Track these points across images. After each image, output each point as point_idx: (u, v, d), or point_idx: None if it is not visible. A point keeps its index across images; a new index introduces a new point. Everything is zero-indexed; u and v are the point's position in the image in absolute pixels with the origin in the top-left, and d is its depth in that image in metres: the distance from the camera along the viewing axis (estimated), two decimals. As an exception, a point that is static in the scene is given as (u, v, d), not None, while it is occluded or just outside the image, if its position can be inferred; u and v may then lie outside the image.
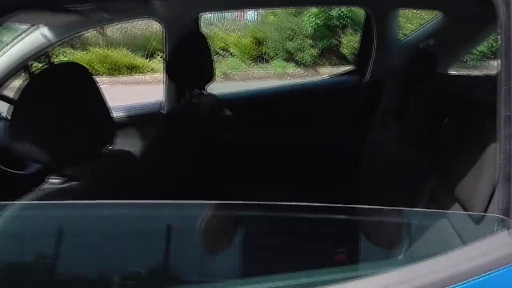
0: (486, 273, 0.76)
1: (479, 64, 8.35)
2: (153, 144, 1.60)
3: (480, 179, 0.97)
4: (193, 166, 1.94)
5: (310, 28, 8.82)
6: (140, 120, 2.40)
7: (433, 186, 1.25)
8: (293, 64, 9.10)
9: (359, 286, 0.83)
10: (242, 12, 10.35)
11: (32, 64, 2.11)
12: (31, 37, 1.95)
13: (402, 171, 1.57)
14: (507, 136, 0.79)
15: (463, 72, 2.38)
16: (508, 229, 0.81)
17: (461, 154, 1.12)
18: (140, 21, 9.64)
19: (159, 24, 2.26)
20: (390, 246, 1.35)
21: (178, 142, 1.69)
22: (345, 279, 0.86)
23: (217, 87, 2.06)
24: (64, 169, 1.08)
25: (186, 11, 2.22)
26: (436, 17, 2.30)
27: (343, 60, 9.06)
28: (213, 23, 10.33)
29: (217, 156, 2.34)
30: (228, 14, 10.45)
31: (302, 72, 9.04)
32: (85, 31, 2.41)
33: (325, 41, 8.89)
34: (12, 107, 1.29)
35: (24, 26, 2.00)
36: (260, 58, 9.37)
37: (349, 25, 8.77)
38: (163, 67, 1.93)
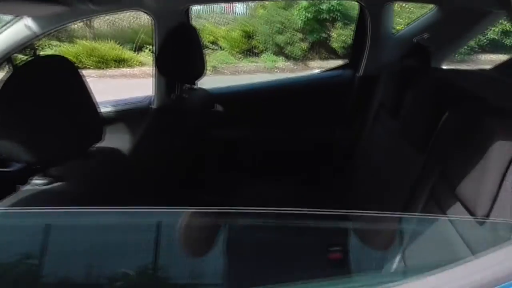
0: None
1: (467, 58, 8.39)
2: (142, 140, 1.55)
3: (484, 178, 0.94)
4: (183, 163, 1.89)
5: (300, 22, 8.77)
6: (129, 115, 2.34)
7: (432, 184, 1.22)
8: (283, 58, 9.06)
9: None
10: (231, 5, 10.28)
11: (17, 56, 2.04)
12: (14, 28, 1.88)
13: (398, 168, 1.54)
14: None
15: (452, 66, 2.35)
16: None
17: (463, 151, 1.09)
18: (128, 13, 9.54)
19: (147, 17, 2.20)
20: (386, 249, 1.32)
21: (168, 138, 1.64)
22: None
23: (206, 81, 2.00)
24: (49, 168, 1.03)
25: (176, 3, 2.16)
26: (430, 10, 2.27)
27: (332, 54, 9.04)
28: (202, 16, 10.24)
29: (208, 152, 2.30)
30: (217, 7, 10.37)
31: (292, 66, 9.01)
32: (72, 23, 2.33)
33: (315, 35, 8.86)
34: None
35: (7, 17, 1.93)
36: (250, 51, 9.32)
37: (339, 18, 8.74)
38: (153, 60, 1.87)
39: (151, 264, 1.13)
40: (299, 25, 8.86)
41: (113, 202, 1.16)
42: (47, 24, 2.01)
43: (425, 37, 2.15)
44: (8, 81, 0.95)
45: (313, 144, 2.38)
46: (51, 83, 1.01)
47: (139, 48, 9.26)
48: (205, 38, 9.09)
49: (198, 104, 1.96)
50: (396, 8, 7.10)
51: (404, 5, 7.49)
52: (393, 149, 1.63)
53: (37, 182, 1.01)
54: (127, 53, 9.24)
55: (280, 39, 8.95)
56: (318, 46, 9.06)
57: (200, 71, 1.84)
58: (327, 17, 8.72)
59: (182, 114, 1.76)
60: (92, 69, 8.94)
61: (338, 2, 8.50)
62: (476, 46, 8.43)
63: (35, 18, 1.89)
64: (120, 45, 9.30)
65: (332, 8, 8.60)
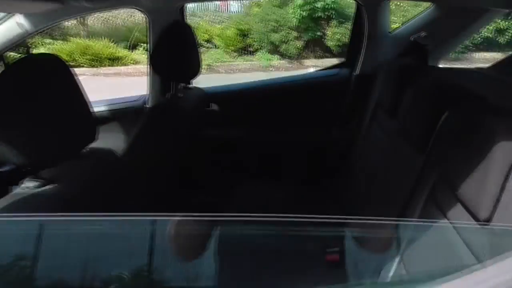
0: None
1: (461, 56, 8.41)
2: (137, 140, 1.52)
3: (486, 180, 0.92)
4: (179, 163, 1.87)
5: (294, 20, 8.75)
6: (124, 114, 2.31)
7: (432, 185, 1.20)
8: (278, 56, 9.04)
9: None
10: (226, 3, 10.24)
11: (9, 55, 2.01)
12: (5, 26, 1.84)
13: (397, 168, 1.52)
14: None
15: (446, 64, 2.34)
16: None
17: (463, 152, 1.07)
18: (122, 11, 9.48)
19: (142, 15, 2.17)
20: (384, 252, 1.30)
21: (163, 138, 1.61)
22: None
23: (201, 79, 1.98)
24: (41, 170, 1.00)
25: (170, 0, 2.13)
26: (426, 9, 2.25)
27: (327, 52, 9.03)
28: (197, 14, 10.20)
29: (204, 152, 2.28)
30: (212, 5, 10.33)
31: (286, 64, 8.99)
32: (65, 21, 2.30)
33: (309, 33, 8.84)
34: None
35: (-2, 15, 1.90)
36: (245, 50, 9.29)
37: (333, 17, 8.73)
38: (147, 59, 1.84)
39: (146, 267, 1.11)
40: (294, 24, 8.84)
41: (108, 204, 1.14)
42: (39, 21, 1.98)
43: (422, 36, 2.13)
44: None
45: (309, 144, 2.36)
46: (42, 82, 0.98)
47: (133, 46, 9.22)
48: (200, 37, 9.06)
49: (193, 103, 1.94)
50: (391, 6, 7.11)
51: (399, 3, 7.48)
52: (392, 149, 1.61)
53: (28, 185, 0.98)
54: (122, 51, 9.19)
55: (275, 37, 8.92)
56: (313, 45, 9.05)
57: (195, 70, 1.81)
58: (322, 16, 8.71)
59: (177, 113, 1.73)
60: (86, 67, 8.89)
61: (334, 0, 8.49)
62: (470, 44, 8.46)
63: (27, 16, 1.86)
64: (114, 43, 9.24)
65: (327, 6, 8.58)
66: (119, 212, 1.20)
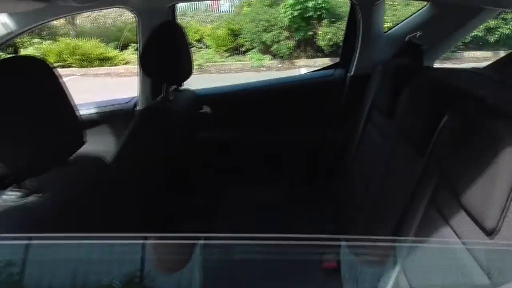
0: None
1: (451, 56, 8.44)
2: (127, 145, 1.46)
3: (492, 186, 0.88)
4: (171, 167, 1.82)
5: (286, 20, 8.73)
6: (113, 117, 2.26)
7: (433, 190, 1.16)
8: (269, 56, 9.02)
9: None
10: (216, 3, 10.19)
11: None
12: (-11, 26, 1.78)
13: (395, 171, 1.49)
14: None
15: (437, 64, 2.31)
16: None
17: (466, 157, 1.04)
18: (112, 11, 9.39)
19: (132, 14, 2.12)
20: (381, 263, 1.26)
21: (155, 142, 1.56)
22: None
23: (192, 80, 1.92)
24: (24, 180, 0.94)
25: (161, 0, 2.08)
26: (421, 8, 2.23)
27: (319, 52, 9.02)
28: (187, 14, 10.15)
29: (197, 155, 2.23)
30: (202, 5, 10.28)
31: (278, 64, 8.97)
32: (52, 21, 2.25)
33: (301, 33, 8.83)
34: None
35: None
36: (236, 50, 9.25)
37: (325, 16, 8.72)
38: (138, 60, 1.79)
39: (138, 273, 1.06)
40: (285, 23, 8.82)
41: (96, 214, 1.08)
42: (25, 21, 1.92)
43: (418, 36, 2.10)
44: None
45: (304, 145, 2.32)
46: (23, 85, 0.92)
47: (124, 46, 9.14)
48: (191, 36, 9.01)
49: (185, 106, 1.88)
50: (382, 5, 7.10)
51: (390, 2, 7.49)
52: (389, 151, 1.58)
53: (11, 195, 0.92)
54: (112, 51, 9.12)
55: (266, 37, 8.90)
56: (305, 44, 9.04)
57: (187, 72, 1.76)
58: (313, 15, 8.70)
59: (169, 116, 1.68)
60: (75, 67, 8.80)
61: (324, -1, 8.50)
62: (461, 43, 8.50)
63: (12, 15, 1.79)
64: (104, 43, 9.16)
65: (318, 6, 8.57)
66: (109, 223, 1.15)
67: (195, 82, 2.20)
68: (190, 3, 9.94)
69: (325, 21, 8.75)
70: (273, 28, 8.91)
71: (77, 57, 8.81)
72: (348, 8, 2.30)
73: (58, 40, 9.12)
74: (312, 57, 9.02)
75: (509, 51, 8.90)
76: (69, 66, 8.76)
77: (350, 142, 2.12)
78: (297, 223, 1.92)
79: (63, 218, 0.95)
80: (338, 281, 1.58)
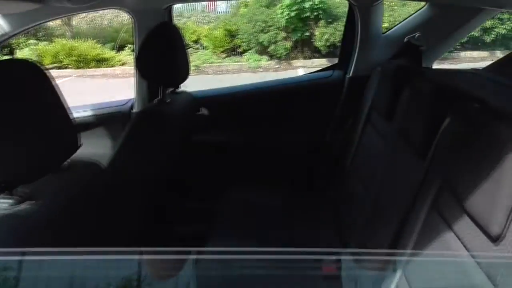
0: None
1: (448, 56, 8.45)
2: (123, 149, 1.44)
3: (497, 191, 0.86)
4: (168, 171, 1.79)
5: (283, 20, 8.72)
6: (110, 119, 2.23)
7: (435, 194, 1.14)
8: (267, 57, 9.00)
9: None
10: (213, 3, 10.17)
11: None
12: (-18, 28, 1.75)
13: (395, 173, 1.47)
14: None
15: (434, 64, 2.30)
16: None
17: (469, 160, 1.02)
18: (108, 11, 9.35)
19: (128, 15, 2.09)
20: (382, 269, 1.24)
21: (152, 146, 1.53)
22: None
23: (189, 81, 1.90)
24: (16, 187, 0.91)
25: (157, 1, 2.05)
26: (420, 8, 2.21)
27: (316, 52, 9.01)
28: (184, 15, 10.12)
29: (195, 158, 2.21)
30: (199, 6, 10.26)
31: (275, 65, 8.95)
32: (47, 22, 2.22)
33: (298, 34, 8.82)
34: None
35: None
36: (233, 51, 9.23)
37: (321, 16, 8.71)
38: (134, 62, 1.77)
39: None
40: (282, 24, 8.81)
41: (91, 222, 1.06)
42: (19, 22, 1.89)
43: (416, 36, 2.09)
44: None
45: (302, 147, 2.30)
46: (15, 90, 0.89)
47: (120, 47, 9.10)
48: (187, 37, 8.99)
49: (182, 108, 1.86)
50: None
51: (387, 3, 7.48)
52: (389, 154, 1.56)
53: (2, 203, 0.89)
54: (108, 52, 9.08)
55: (263, 38, 8.88)
56: (302, 45, 9.03)
57: (184, 74, 1.73)
58: (310, 16, 8.69)
59: (166, 119, 1.66)
60: (71, 68, 8.76)
61: (321, 0, 8.47)
62: (457, 43, 8.49)
63: (6, 16, 1.76)
64: (101, 44, 9.12)
65: (315, 6, 8.56)
66: (105, 231, 1.12)
67: (192, 83, 2.18)
68: (187, 4, 9.90)
69: (322, 22, 8.74)
70: (270, 29, 8.89)
71: (73, 58, 8.77)
72: (345, 9, 2.28)
73: (54, 41, 9.08)
74: (309, 58, 9.01)
75: (506, 51, 8.92)
76: (65, 68, 8.72)
77: (349, 144, 2.10)
78: (296, 226, 1.89)
79: (57, 226, 0.92)
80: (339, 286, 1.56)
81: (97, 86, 7.91)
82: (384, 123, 1.73)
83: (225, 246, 1.73)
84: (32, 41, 8.86)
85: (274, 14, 8.88)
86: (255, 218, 1.94)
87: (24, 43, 8.77)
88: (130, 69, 7.83)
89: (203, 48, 9.32)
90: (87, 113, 2.25)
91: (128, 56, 8.68)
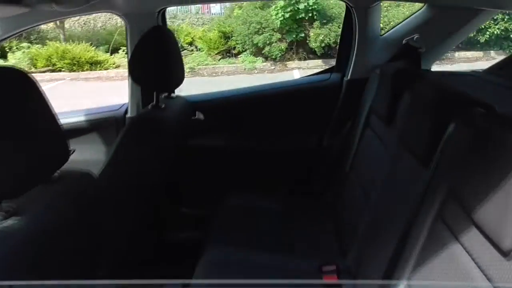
0: None
1: (443, 56, 8.44)
2: (116, 158, 1.39)
3: (510, 203, 0.82)
4: (162, 178, 1.75)
5: (277, 22, 8.69)
6: (104, 124, 2.19)
7: (440, 203, 1.10)
8: (262, 59, 8.97)
9: None
10: (207, 5, 10.13)
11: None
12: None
13: (398, 180, 1.43)
14: None
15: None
16: None
17: (477, 169, 0.97)
18: (101, 14, 9.28)
19: (120, 19, 2.04)
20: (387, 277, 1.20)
21: (145, 154, 1.48)
22: None
23: (184, 84, 1.85)
24: (0, 202, 0.86)
25: (149, 4, 2.01)
26: (419, 9, 2.17)
27: (311, 53, 9.00)
28: (178, 17, 10.08)
29: (191, 163, 2.17)
30: (193, 8, 10.21)
31: (270, 66, 8.93)
32: (38, 26, 2.18)
33: (293, 35, 8.80)
34: None
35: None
36: (228, 52, 9.19)
37: (316, 18, 8.69)
38: (128, 67, 1.72)
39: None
40: (277, 25, 8.78)
41: (82, 238, 1.01)
42: (9, 26, 1.85)
43: (415, 38, 2.05)
44: None
45: (300, 152, 2.26)
46: (1, 98, 0.84)
47: (114, 50, 9.04)
48: (182, 39, 8.95)
49: (177, 113, 1.81)
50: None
51: (381, 3, 7.45)
52: (390, 161, 1.51)
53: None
54: (102, 55, 9.02)
55: (258, 39, 8.86)
56: (297, 46, 9.01)
57: (178, 79, 1.69)
58: (305, 17, 8.67)
59: (160, 126, 1.61)
60: (65, 71, 8.68)
61: (315, 1, 8.45)
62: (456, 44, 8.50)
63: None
64: (94, 47, 9.05)
65: (309, 7, 8.54)
66: (98, 247, 1.07)
67: (187, 86, 2.13)
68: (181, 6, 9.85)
69: (316, 23, 8.73)
70: (264, 30, 8.87)
71: (67, 61, 8.69)
72: (339, 10, 2.25)
73: (47, 44, 8.99)
74: (304, 59, 9.00)
75: (500, 51, 8.92)
76: (59, 71, 8.65)
77: (348, 148, 2.06)
78: (296, 232, 1.85)
79: (45, 244, 0.87)
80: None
81: (91, 89, 7.85)
82: (384, 127, 1.69)
83: (222, 253, 1.70)
84: (24, 44, 8.77)
85: (268, 16, 8.86)
86: (253, 224, 1.90)
87: (16, 46, 8.68)
88: (125, 71, 7.77)
89: (198, 50, 9.28)
90: (80, 118, 2.21)
91: (122, 58, 8.62)
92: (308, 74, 2.68)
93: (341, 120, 2.19)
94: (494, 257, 0.85)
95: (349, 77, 2.18)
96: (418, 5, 2.19)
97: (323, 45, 8.68)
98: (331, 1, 8.69)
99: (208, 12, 10.61)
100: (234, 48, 9.15)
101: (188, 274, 1.56)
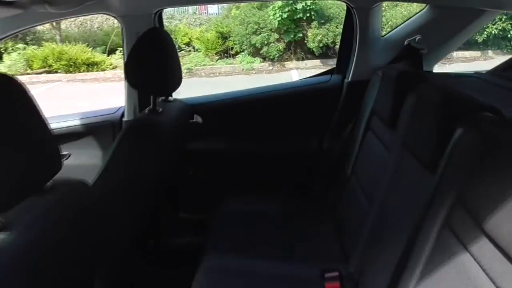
0: None
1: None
2: (112, 164, 1.34)
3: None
4: (160, 184, 1.71)
5: (275, 22, 8.67)
6: (100, 128, 2.15)
7: (447, 211, 1.06)
8: (260, 59, 8.95)
9: None
10: (204, 5, 10.09)
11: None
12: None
13: (400, 187, 1.39)
14: None
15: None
16: None
17: (487, 176, 0.94)
18: (98, 15, 9.23)
19: (116, 20, 2.00)
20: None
21: (142, 160, 1.44)
22: None
23: (181, 84, 1.81)
24: None
25: (146, 6, 1.96)
26: (420, 10, 2.14)
27: (309, 54, 8.98)
28: (175, 17, 10.04)
29: (187, 168, 2.13)
30: (190, 8, 10.18)
31: (268, 66, 8.90)
32: (33, 27, 2.15)
33: (291, 35, 8.78)
34: None
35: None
36: (226, 53, 9.16)
37: (314, 18, 8.67)
38: (124, 71, 1.68)
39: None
40: (275, 25, 8.75)
41: (75, 252, 0.97)
42: (4, 27, 1.81)
43: (417, 39, 2.02)
44: None
45: (300, 155, 2.22)
46: None
47: (111, 51, 9.00)
48: (179, 40, 8.92)
49: (174, 117, 1.77)
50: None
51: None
52: (393, 166, 1.47)
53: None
54: (99, 56, 8.97)
55: (256, 39, 8.83)
56: (295, 46, 8.99)
57: (176, 82, 1.65)
58: (303, 17, 8.64)
59: (157, 131, 1.57)
60: (61, 73, 8.63)
61: (313, 1, 8.43)
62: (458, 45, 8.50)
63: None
64: (91, 48, 9.00)
65: (307, 7, 8.52)
66: (93, 261, 1.03)
67: (184, 87, 2.09)
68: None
69: (314, 23, 8.71)
70: (262, 30, 8.85)
71: (63, 62, 8.65)
72: (337, 9, 2.21)
73: (43, 45, 8.94)
74: (302, 59, 8.98)
75: (497, 50, 8.90)
76: (55, 72, 8.60)
77: (349, 152, 2.02)
78: (297, 237, 1.82)
79: (37, 260, 0.83)
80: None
81: (88, 91, 7.81)
82: (387, 131, 1.65)
83: (222, 259, 1.66)
84: (20, 45, 8.71)
85: (266, 16, 8.84)
86: (253, 228, 1.87)
87: (12, 48, 8.62)
88: (122, 72, 7.72)
89: (195, 51, 9.25)
90: (76, 122, 2.16)
91: (119, 59, 8.59)
92: (306, 74, 2.64)
93: (341, 122, 2.16)
94: (506, 268, 0.82)
95: (350, 79, 2.15)
96: (416, 5, 2.16)
97: (321, 45, 8.67)
98: (329, 1, 8.67)
99: (205, 13, 10.57)
100: (232, 48, 9.12)
101: (187, 280, 1.53)
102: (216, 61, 9.11)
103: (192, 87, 2.32)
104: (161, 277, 2.00)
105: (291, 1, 8.29)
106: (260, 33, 8.82)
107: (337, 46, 8.17)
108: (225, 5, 9.89)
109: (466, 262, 0.95)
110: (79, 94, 7.46)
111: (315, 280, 1.52)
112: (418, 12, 2.13)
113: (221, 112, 2.20)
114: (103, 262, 1.13)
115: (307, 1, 8.38)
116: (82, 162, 2.11)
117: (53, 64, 8.64)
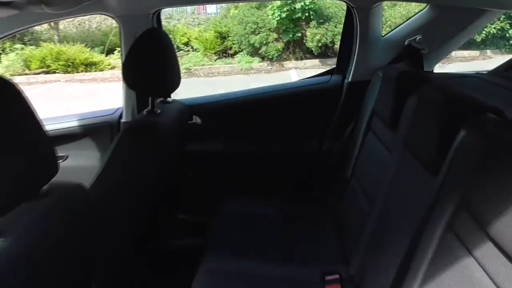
0: None
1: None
2: (109, 167, 1.33)
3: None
4: (159, 186, 1.69)
5: (273, 21, 8.65)
6: (97, 130, 2.13)
7: (451, 214, 1.04)
8: (258, 59, 8.93)
9: None
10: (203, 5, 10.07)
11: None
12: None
13: (401, 189, 1.37)
14: None
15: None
16: None
17: (492, 179, 0.92)
18: (96, 15, 9.20)
19: (114, 21, 1.98)
20: None
21: (140, 162, 1.42)
22: None
23: (180, 84, 1.80)
24: None
25: (144, 6, 1.94)
26: (421, 10, 2.12)
27: (308, 53, 8.96)
28: (174, 17, 10.02)
29: (186, 170, 2.11)
30: (189, 8, 10.16)
31: (267, 66, 8.88)
32: (30, 28, 2.13)
33: (289, 35, 8.76)
34: None
35: None
36: (224, 52, 9.15)
37: (313, 17, 8.65)
38: (121, 72, 1.66)
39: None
40: (273, 25, 8.74)
41: (73, 257, 0.95)
42: (2, 27, 1.79)
43: (418, 39, 2.00)
44: None
45: (299, 156, 2.20)
46: None
47: (109, 51, 8.97)
48: (178, 40, 8.90)
49: (173, 119, 1.75)
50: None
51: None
52: (395, 168, 1.46)
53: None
54: (97, 56, 8.94)
55: (255, 39, 8.81)
56: (293, 46, 8.97)
57: (174, 83, 1.63)
58: (301, 16, 8.63)
59: (155, 132, 1.55)
60: (60, 73, 8.61)
61: (312, 1, 8.42)
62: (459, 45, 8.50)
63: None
64: (89, 48, 8.98)
65: (305, 7, 8.50)
66: (90, 266, 1.02)
67: (183, 86, 2.08)
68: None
69: (313, 23, 8.70)
70: (261, 30, 8.84)
71: (61, 62, 8.62)
72: (336, 9, 2.19)
73: (41, 46, 8.91)
74: (301, 59, 8.97)
75: (496, 50, 8.90)
76: (53, 72, 8.57)
77: (349, 153, 2.00)
78: (297, 239, 1.81)
79: (33, 266, 0.81)
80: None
81: (86, 91, 7.79)
82: (388, 131, 1.63)
83: (222, 262, 1.65)
84: (18, 46, 8.68)
85: (264, 16, 8.82)
86: (253, 230, 1.85)
87: (10, 48, 8.59)
88: (120, 72, 7.73)
89: (194, 50, 9.23)
90: (73, 123, 2.14)
91: (117, 59, 8.55)
92: (305, 73, 2.63)
93: (342, 123, 2.14)
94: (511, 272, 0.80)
95: (350, 79, 2.13)
96: (416, 4, 2.14)
97: (320, 44, 8.65)
98: (328, 1, 8.66)
99: (204, 12, 10.55)
100: (231, 48, 9.10)
101: (187, 282, 1.52)
102: (215, 61, 9.09)
103: (190, 87, 2.29)
104: (160, 278, 1.98)
105: (290, 1, 8.26)
106: (258, 33, 8.80)
107: (336, 46, 8.17)
108: (224, 5, 9.87)
109: (470, 266, 0.93)
110: (77, 94, 7.44)
111: (316, 283, 1.51)
112: (418, 12, 2.12)
113: (220, 113, 2.18)
114: (102, 264, 1.12)
115: (305, 1, 8.36)
116: (80, 163, 2.10)
117: (51, 65, 8.61)
